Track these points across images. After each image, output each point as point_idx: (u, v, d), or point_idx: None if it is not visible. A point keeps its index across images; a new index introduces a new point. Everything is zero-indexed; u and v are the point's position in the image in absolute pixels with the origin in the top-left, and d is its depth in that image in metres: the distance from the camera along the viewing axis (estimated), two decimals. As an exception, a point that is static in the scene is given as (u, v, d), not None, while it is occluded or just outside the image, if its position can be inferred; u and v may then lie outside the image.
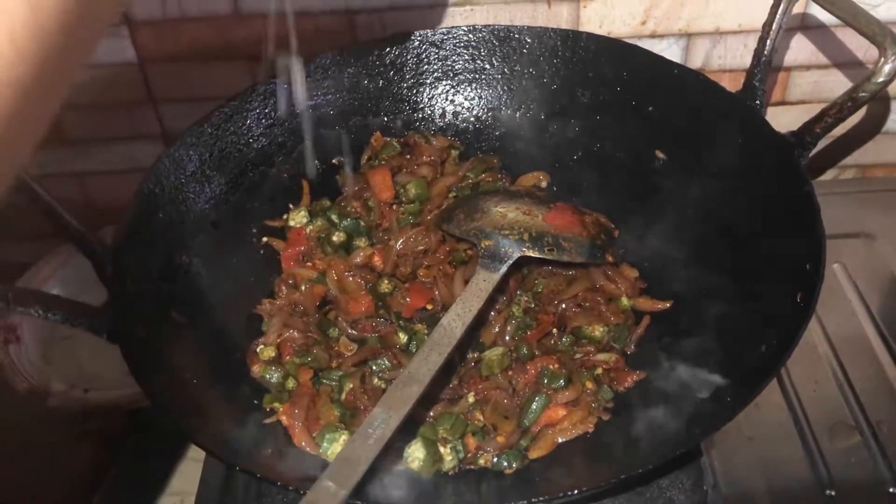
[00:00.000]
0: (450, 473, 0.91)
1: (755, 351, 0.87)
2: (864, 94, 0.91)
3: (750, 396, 0.80)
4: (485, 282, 1.00)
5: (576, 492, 0.77)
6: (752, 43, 1.19)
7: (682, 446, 0.81)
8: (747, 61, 1.13)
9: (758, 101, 1.07)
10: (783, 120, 1.32)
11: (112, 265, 0.96)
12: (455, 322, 0.93)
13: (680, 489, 0.96)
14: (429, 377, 0.87)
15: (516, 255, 1.03)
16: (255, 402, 0.97)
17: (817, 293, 0.85)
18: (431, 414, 0.95)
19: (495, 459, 0.91)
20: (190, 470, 1.17)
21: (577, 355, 1.00)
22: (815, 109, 1.10)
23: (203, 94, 1.30)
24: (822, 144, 1.02)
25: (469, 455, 0.92)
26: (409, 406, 0.83)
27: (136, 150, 1.37)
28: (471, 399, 0.96)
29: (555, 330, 1.03)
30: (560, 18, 1.25)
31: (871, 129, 1.35)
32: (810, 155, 1.00)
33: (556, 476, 0.88)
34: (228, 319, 1.06)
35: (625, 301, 1.05)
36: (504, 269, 1.02)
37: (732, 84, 1.28)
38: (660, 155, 1.14)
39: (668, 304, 1.04)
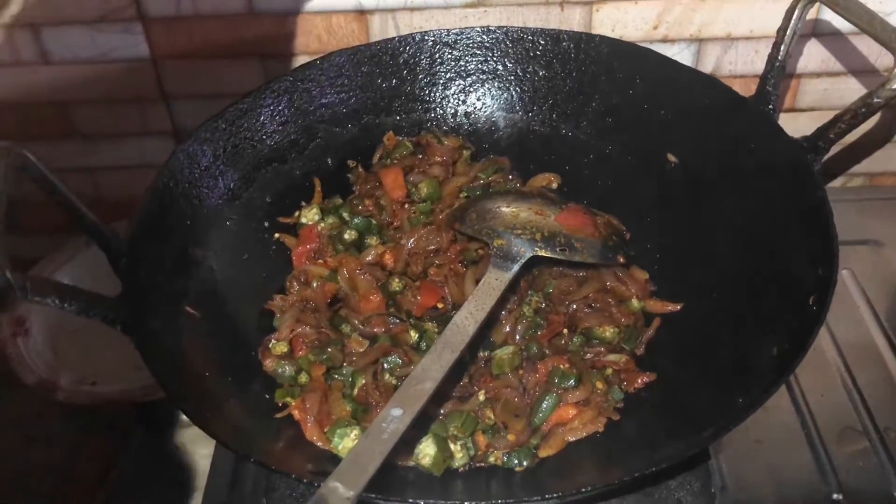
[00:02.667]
0: (460, 470, 0.91)
1: (767, 354, 0.87)
2: (878, 100, 0.91)
3: (761, 399, 0.80)
4: (497, 280, 1.00)
5: (587, 488, 0.77)
6: (764, 49, 1.20)
7: (693, 448, 0.81)
8: (758, 67, 1.13)
9: (770, 106, 1.08)
10: (793, 127, 1.31)
11: (126, 257, 0.96)
12: (467, 320, 0.93)
13: (688, 490, 0.96)
14: (441, 374, 0.87)
15: (528, 254, 1.04)
16: (267, 396, 0.98)
17: (830, 296, 0.85)
18: (442, 411, 0.95)
19: (506, 457, 0.92)
20: (198, 464, 1.17)
21: (588, 356, 1.00)
22: (824, 116, 1.11)
23: (215, 91, 1.31)
24: (833, 151, 1.02)
25: (479, 453, 0.92)
26: (421, 403, 0.83)
27: (147, 147, 1.38)
28: (481, 397, 0.96)
29: (565, 330, 1.03)
30: (572, 21, 1.26)
31: (882, 136, 1.36)
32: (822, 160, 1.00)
33: (566, 475, 0.88)
34: (240, 314, 1.06)
35: (635, 303, 1.05)
36: (516, 268, 1.02)
37: (743, 90, 1.28)
38: (671, 158, 1.14)
39: (678, 306, 1.04)
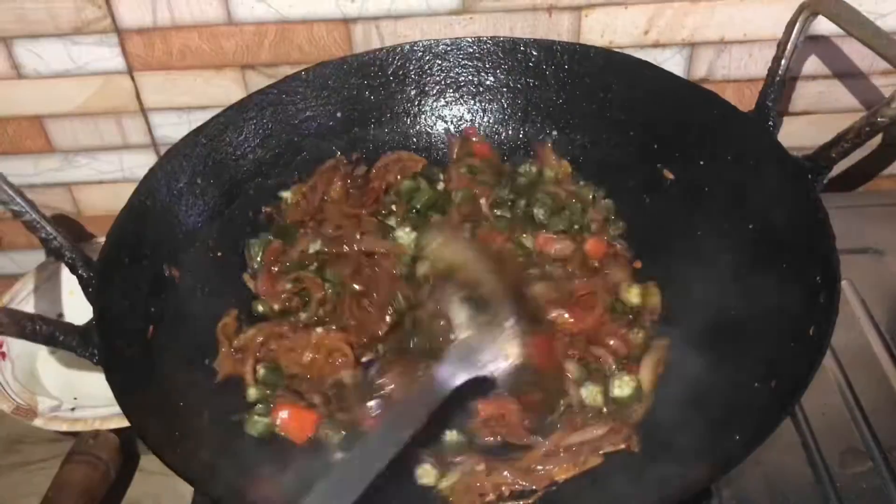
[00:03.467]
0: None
1: (765, 388, 0.85)
2: (882, 119, 0.89)
3: (760, 438, 0.77)
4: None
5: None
6: (757, 52, 1.18)
7: (693, 488, 0.79)
8: (752, 71, 1.11)
9: (770, 122, 1.05)
10: (788, 131, 1.31)
11: (97, 281, 0.93)
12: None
13: (688, 516, 0.94)
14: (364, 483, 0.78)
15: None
16: (245, 430, 0.95)
17: (831, 328, 0.82)
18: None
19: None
20: (180, 490, 1.14)
21: None
22: (819, 120, 1.09)
23: (194, 103, 1.29)
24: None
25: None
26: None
27: (127, 161, 1.35)
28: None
29: None
30: (561, 28, 1.23)
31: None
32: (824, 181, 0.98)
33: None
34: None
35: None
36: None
37: (736, 94, 1.27)
38: (668, 175, 1.11)
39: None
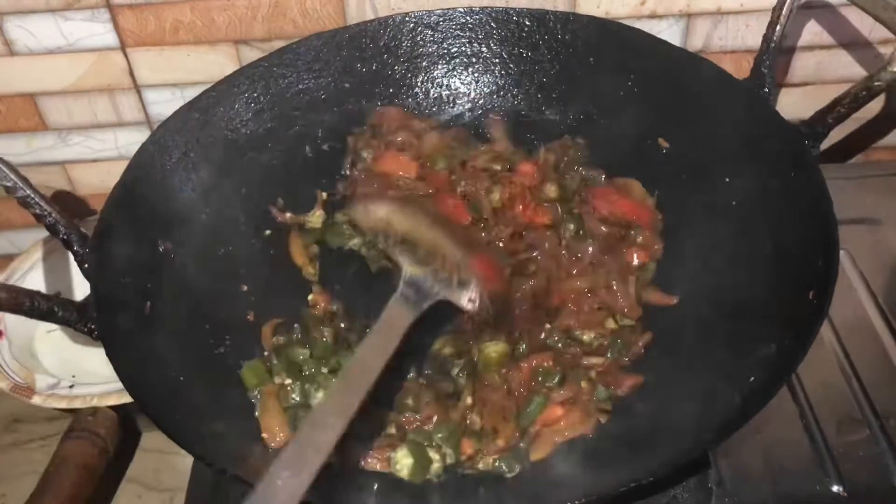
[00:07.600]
0: (441, 479, 0.88)
1: (765, 351, 0.84)
2: (879, 83, 0.88)
3: (762, 400, 0.77)
4: (399, 319, 0.87)
5: (580, 500, 0.74)
6: (754, 23, 1.16)
7: (691, 453, 0.78)
8: (749, 42, 1.09)
9: (766, 89, 1.04)
10: (786, 102, 1.31)
11: (92, 256, 0.92)
12: (374, 357, 0.81)
13: (684, 487, 0.94)
14: (343, 422, 0.74)
15: (442, 297, 0.91)
16: (241, 401, 0.95)
17: (831, 291, 0.82)
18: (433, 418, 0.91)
19: (496, 464, 0.88)
20: (180, 466, 1.15)
21: (568, 355, 0.97)
22: (817, 91, 1.07)
23: (187, 79, 1.28)
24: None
25: (465, 459, 0.89)
26: (316, 464, 0.71)
27: (121, 138, 1.34)
28: (468, 401, 0.92)
29: (547, 325, 0.99)
30: (557, 0, 1.22)
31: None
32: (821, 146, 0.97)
33: (559, 482, 0.86)
34: (216, 313, 1.02)
35: (610, 322, 1.00)
36: (426, 306, 0.90)
37: (733, 65, 1.26)
38: (664, 143, 1.10)
39: (674, 300, 1.00)
